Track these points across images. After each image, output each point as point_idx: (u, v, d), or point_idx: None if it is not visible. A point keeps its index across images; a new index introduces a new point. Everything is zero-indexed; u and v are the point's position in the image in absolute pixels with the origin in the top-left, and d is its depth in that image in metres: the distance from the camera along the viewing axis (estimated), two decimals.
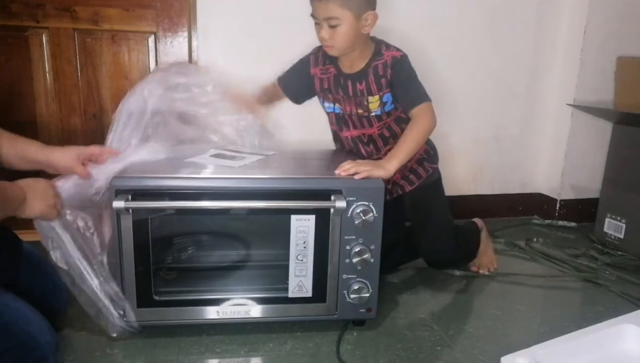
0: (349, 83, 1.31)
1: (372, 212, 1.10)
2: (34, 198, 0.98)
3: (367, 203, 1.10)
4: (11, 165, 1.13)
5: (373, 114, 1.32)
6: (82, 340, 1.12)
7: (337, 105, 1.37)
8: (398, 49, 1.31)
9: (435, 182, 1.44)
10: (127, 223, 1.05)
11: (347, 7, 1.18)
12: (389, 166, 1.19)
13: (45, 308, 0.99)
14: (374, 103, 1.30)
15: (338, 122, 1.40)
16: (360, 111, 1.33)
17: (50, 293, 1.12)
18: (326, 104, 1.39)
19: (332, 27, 1.21)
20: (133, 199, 1.03)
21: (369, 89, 1.29)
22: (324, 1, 1.19)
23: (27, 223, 1.02)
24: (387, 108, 1.32)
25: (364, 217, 1.10)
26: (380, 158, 1.27)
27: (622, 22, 1.94)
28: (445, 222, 1.47)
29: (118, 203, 1.02)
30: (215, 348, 1.12)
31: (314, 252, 1.12)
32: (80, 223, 1.07)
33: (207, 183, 1.07)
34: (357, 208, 1.10)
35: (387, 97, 1.30)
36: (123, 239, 1.05)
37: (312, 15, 1.25)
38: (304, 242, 1.11)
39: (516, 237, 1.88)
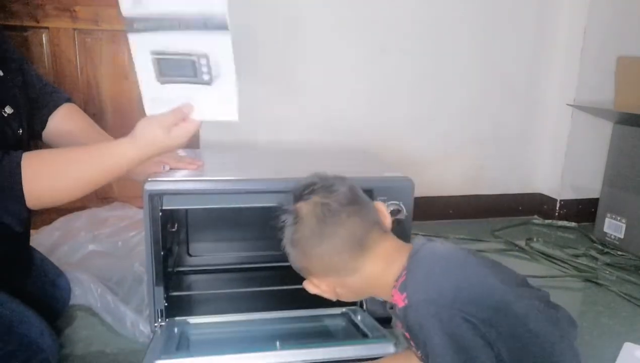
0: None
1: (403, 211, 1.08)
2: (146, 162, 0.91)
3: (397, 202, 1.07)
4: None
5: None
6: (82, 341, 1.12)
7: None
8: (405, 287, 0.72)
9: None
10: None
11: None
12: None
13: (45, 309, 0.99)
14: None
15: None
16: None
17: (51, 293, 1.11)
18: None
19: None
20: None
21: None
22: None
23: None
24: None
25: (395, 217, 1.06)
26: None
27: (622, 22, 1.94)
28: None
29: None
30: None
31: None
32: None
33: (243, 186, 1.04)
34: (389, 207, 1.04)
35: None
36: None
37: None
38: None
39: (516, 237, 1.88)
